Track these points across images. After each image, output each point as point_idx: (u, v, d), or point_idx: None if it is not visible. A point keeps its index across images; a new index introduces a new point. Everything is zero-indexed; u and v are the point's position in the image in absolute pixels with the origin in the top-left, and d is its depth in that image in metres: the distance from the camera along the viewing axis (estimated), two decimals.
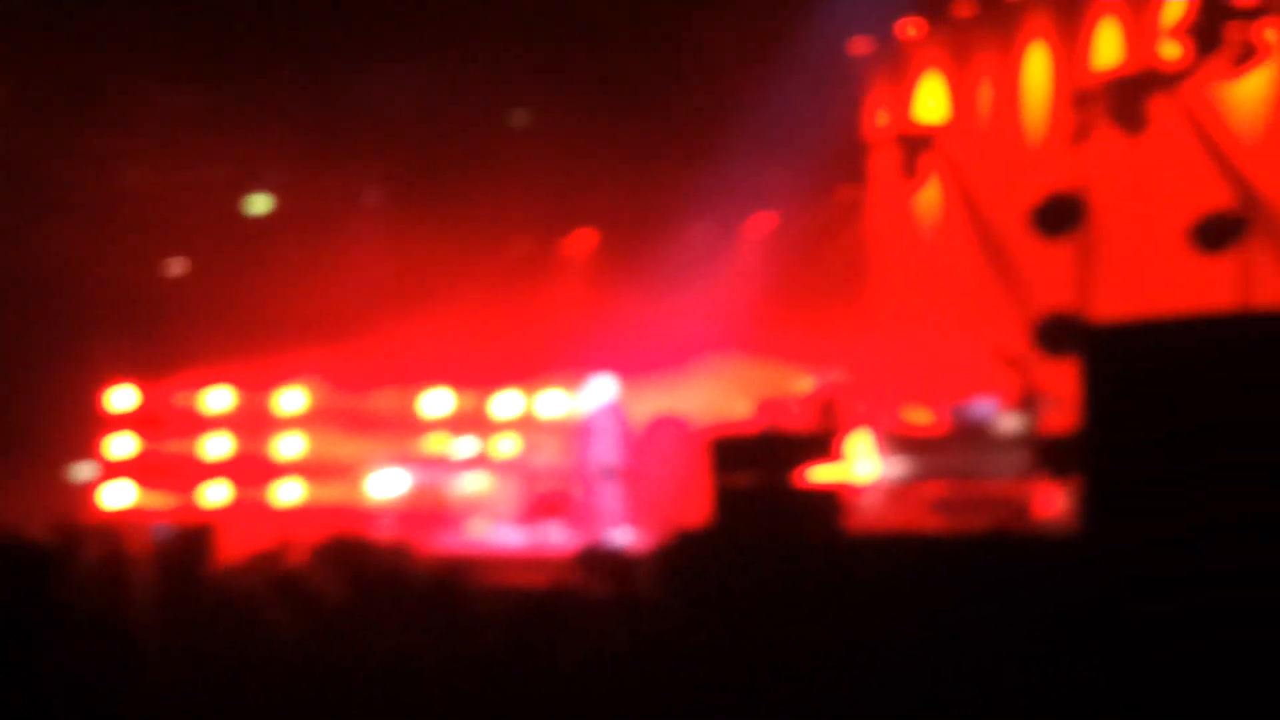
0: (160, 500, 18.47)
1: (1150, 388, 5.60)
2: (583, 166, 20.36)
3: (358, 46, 18.64)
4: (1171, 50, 14.09)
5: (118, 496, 18.86)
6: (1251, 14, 13.44)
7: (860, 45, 18.77)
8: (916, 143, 17.58)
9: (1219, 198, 13.49)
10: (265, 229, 21.14)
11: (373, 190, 21.69)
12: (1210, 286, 12.63)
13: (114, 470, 19.16)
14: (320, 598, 6.49)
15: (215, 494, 19.07)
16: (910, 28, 18.23)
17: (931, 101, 18.06)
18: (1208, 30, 13.50)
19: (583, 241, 22.10)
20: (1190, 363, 5.50)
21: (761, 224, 20.46)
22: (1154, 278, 14.02)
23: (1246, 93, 14.16)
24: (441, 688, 4.99)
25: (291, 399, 20.01)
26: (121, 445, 19.34)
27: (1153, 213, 14.51)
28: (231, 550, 10.93)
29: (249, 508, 18.43)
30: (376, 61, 19.29)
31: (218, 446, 19.62)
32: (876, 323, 18.68)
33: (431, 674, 5.09)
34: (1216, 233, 12.46)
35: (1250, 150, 14.23)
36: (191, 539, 9.58)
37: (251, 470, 19.61)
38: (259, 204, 21.41)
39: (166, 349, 19.24)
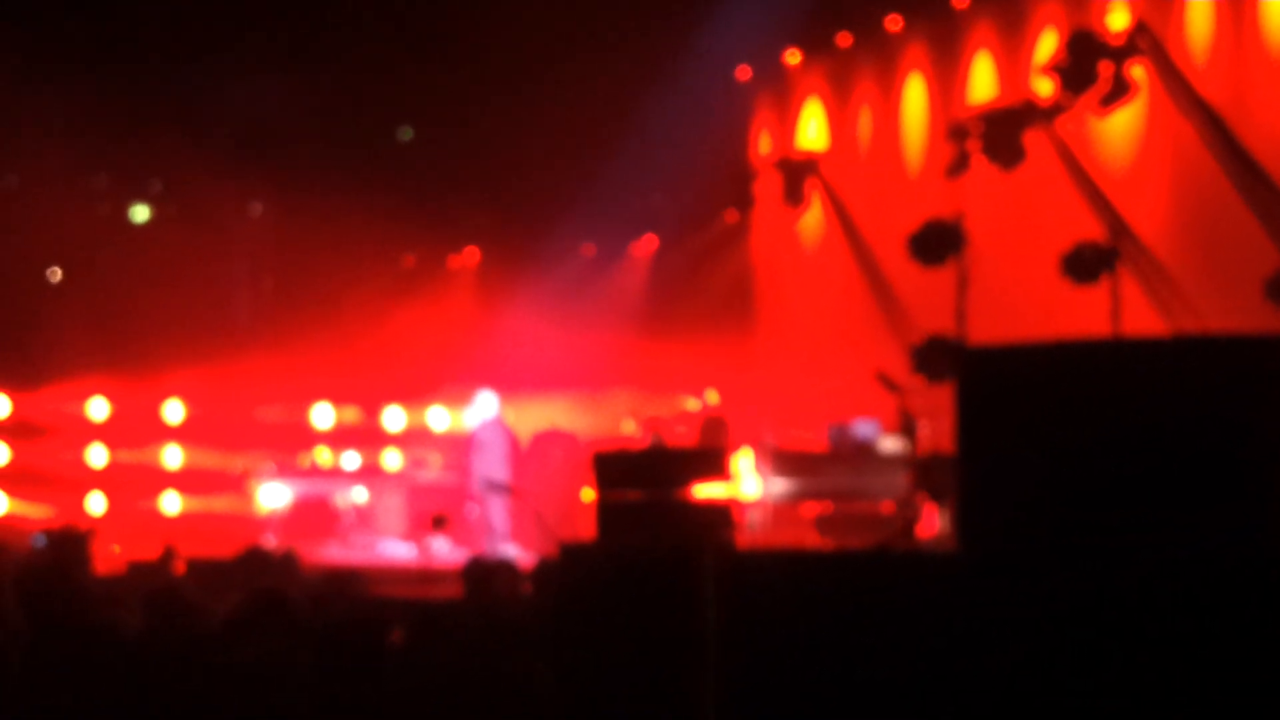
0: (35, 509, 18.19)
1: (1023, 410, 5.67)
2: (470, 185, 20.44)
3: (244, 58, 18.55)
4: (1044, 86, 14.47)
5: None
6: (1121, 52, 13.87)
7: (745, 72, 19.05)
8: (800, 169, 17.80)
9: (1090, 229, 13.88)
10: (146, 239, 20.91)
11: (257, 204, 21.56)
12: (1083, 313, 13.00)
13: None
14: (198, 609, 6.43)
15: (93, 503, 18.85)
16: (794, 56, 18.54)
17: (814, 129, 18.36)
18: (1079, 67, 13.87)
19: (469, 258, 22.15)
20: (1061, 386, 5.60)
21: (648, 246, 20.67)
22: (1029, 304, 14.37)
23: (1116, 128, 14.60)
24: (321, 698, 4.98)
25: (172, 410, 19.82)
26: None
27: (1027, 242, 14.88)
28: (111, 560, 10.85)
29: (129, 517, 18.21)
30: (263, 73, 19.19)
31: (95, 456, 19.39)
32: (761, 344, 18.95)
33: (313, 685, 5.07)
34: (1088, 263, 12.78)
35: (1120, 183, 14.68)
36: (67, 546, 9.49)
37: (130, 480, 19.39)
38: (140, 213, 21.16)
39: (41, 358, 18.97)
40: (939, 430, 13.30)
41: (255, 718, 4.63)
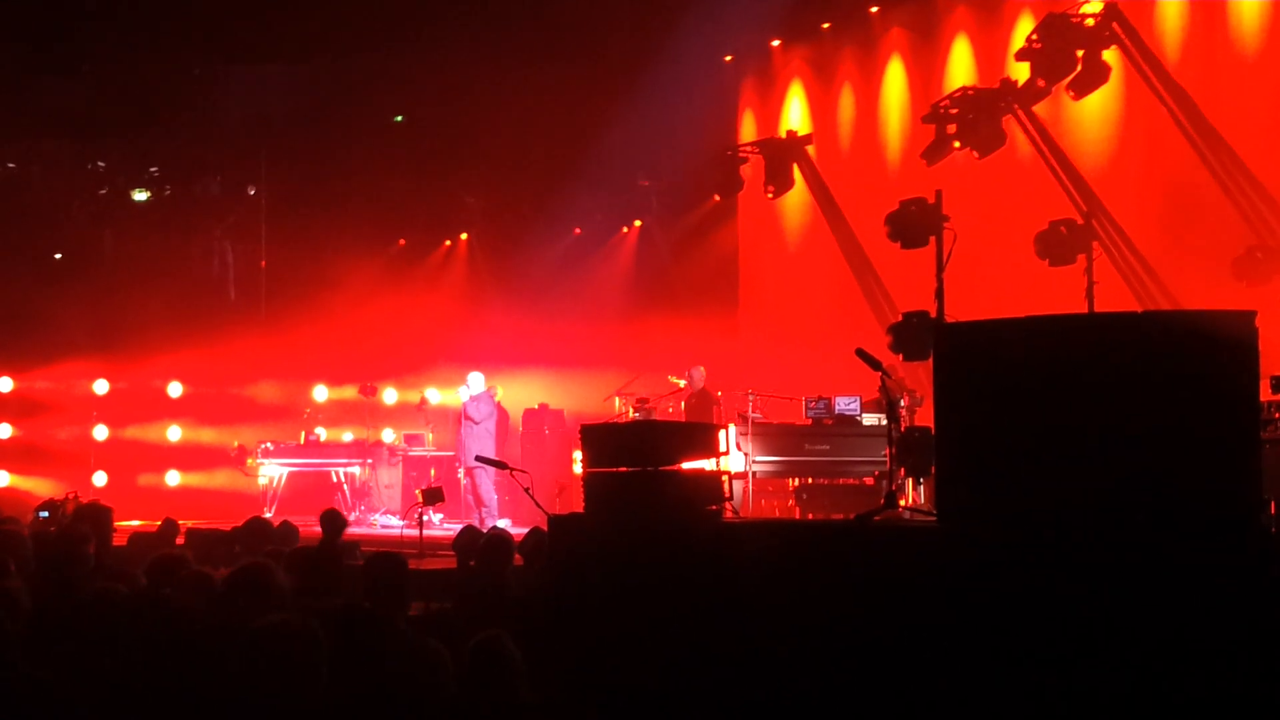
0: (37, 484, 18.47)
1: (998, 383, 5.78)
2: (461, 168, 20.66)
3: (241, 46, 18.75)
4: (1020, 70, 14.65)
5: None
6: (1094, 37, 14.07)
7: (730, 57, 19.20)
8: (783, 151, 17.93)
9: (1065, 209, 14.07)
10: (145, 222, 21.16)
11: (252, 189, 21.78)
12: (1059, 293, 13.23)
13: None
14: (201, 578, 6.58)
15: (95, 477, 19.14)
16: (778, 40, 18.70)
17: (797, 112, 18.53)
18: (1054, 52, 14.06)
19: (460, 240, 22.37)
20: (1034, 360, 5.76)
21: (635, 228, 20.88)
22: (1007, 284, 14.59)
23: (1090, 111, 14.82)
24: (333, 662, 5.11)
25: (171, 388, 20.11)
26: None
27: (1004, 222, 15.09)
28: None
29: (129, 491, 18.48)
30: (259, 61, 19.39)
31: (95, 432, 19.67)
32: (746, 322, 19.16)
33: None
34: (1063, 242, 12.97)
35: (1094, 165, 14.89)
36: (90, 518, 9.67)
37: (130, 455, 19.67)
38: (139, 196, 21.43)
39: (45, 338, 19.25)
40: (919, 405, 13.67)
41: (265, 684, 4.82)
